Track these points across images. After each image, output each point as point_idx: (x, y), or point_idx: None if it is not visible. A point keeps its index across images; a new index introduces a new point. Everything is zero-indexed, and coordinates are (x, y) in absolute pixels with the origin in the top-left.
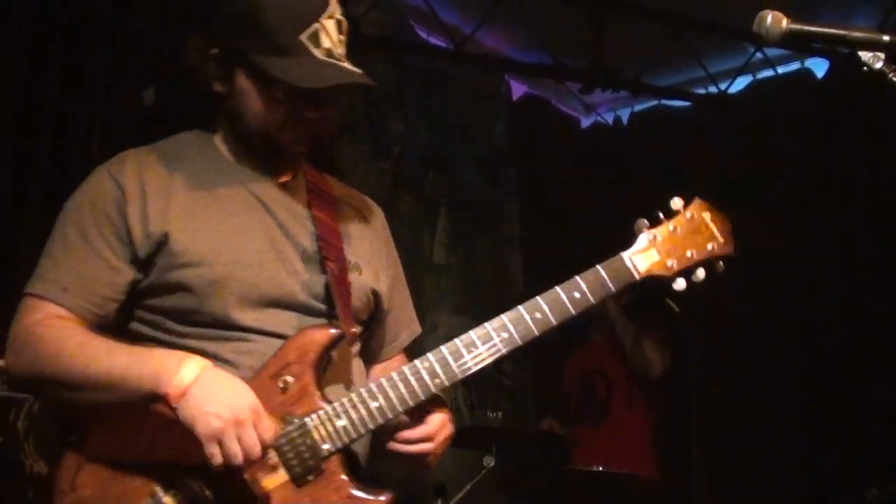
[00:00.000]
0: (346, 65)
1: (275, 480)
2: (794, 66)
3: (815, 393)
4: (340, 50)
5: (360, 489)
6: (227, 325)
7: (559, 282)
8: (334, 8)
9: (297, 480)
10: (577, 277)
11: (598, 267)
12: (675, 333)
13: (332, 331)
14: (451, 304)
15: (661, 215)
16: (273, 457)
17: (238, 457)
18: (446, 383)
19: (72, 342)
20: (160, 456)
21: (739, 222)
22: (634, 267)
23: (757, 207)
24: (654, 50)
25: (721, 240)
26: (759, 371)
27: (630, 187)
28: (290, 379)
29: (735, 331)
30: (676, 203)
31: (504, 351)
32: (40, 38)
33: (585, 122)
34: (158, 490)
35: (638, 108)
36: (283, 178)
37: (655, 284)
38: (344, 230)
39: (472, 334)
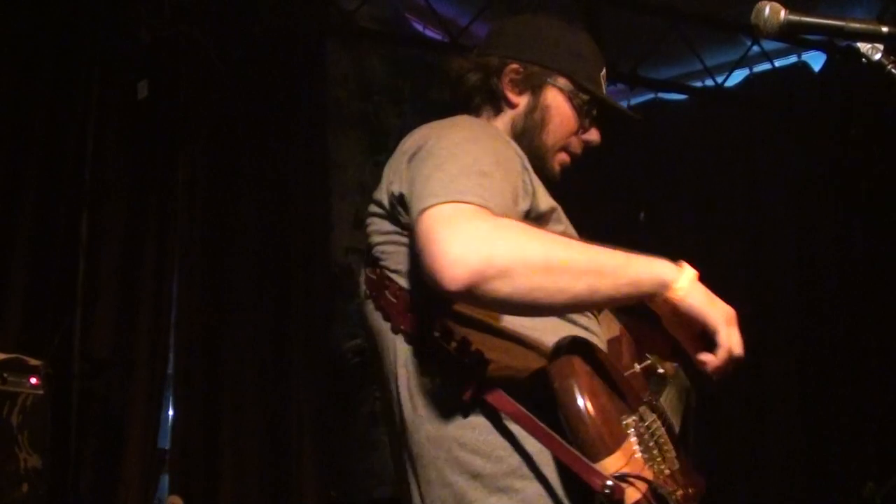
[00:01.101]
0: None
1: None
2: (791, 59)
3: (811, 388)
4: None
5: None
6: None
7: None
8: None
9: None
10: None
11: None
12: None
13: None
14: None
15: None
16: (659, 423)
17: (740, 346)
18: None
19: (552, 233)
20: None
21: (735, 217)
22: None
23: (753, 201)
24: (650, 43)
25: None
26: (755, 366)
27: (627, 181)
28: (638, 365)
29: None
30: None
31: None
32: (34, 30)
33: None
34: (636, 416)
35: (635, 101)
36: None
37: None
38: None
39: None
